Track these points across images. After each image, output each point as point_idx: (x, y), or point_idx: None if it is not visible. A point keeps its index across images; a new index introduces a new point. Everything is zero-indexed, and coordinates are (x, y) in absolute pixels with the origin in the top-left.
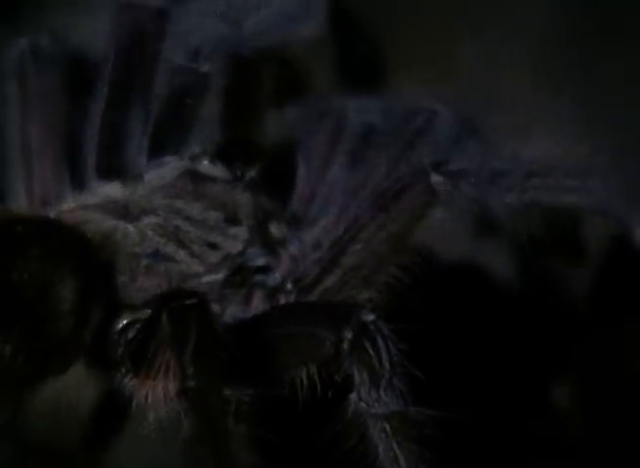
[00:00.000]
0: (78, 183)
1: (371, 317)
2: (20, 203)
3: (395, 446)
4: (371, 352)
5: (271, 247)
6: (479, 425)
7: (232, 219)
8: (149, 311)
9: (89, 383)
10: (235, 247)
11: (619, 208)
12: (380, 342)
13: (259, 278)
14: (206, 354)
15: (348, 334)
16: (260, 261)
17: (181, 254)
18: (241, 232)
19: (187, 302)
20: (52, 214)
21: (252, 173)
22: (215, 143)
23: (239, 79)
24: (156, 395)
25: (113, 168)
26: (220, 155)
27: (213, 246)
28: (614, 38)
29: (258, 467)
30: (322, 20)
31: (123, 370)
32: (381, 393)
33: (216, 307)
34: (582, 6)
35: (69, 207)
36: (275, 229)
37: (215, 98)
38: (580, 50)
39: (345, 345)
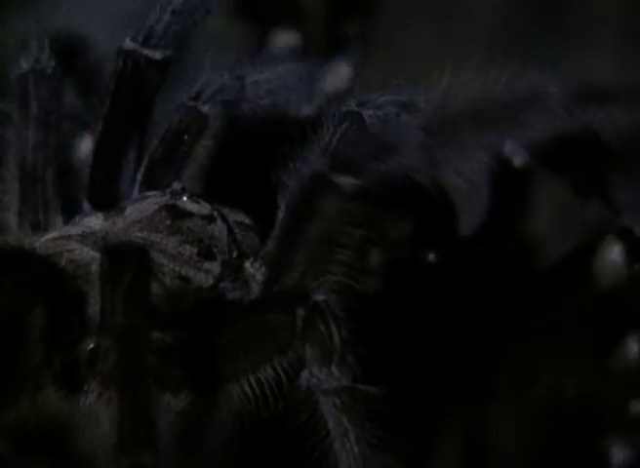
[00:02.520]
0: (70, 212)
1: (321, 297)
2: (13, 227)
3: (345, 420)
4: (322, 329)
5: (244, 281)
6: (422, 402)
7: (206, 254)
8: None
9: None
10: (207, 281)
11: None
12: (331, 320)
13: None
14: (137, 297)
15: (301, 312)
16: (231, 295)
17: (154, 287)
18: (214, 267)
19: (128, 251)
20: (37, 242)
21: (229, 210)
22: (201, 181)
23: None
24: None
25: (105, 200)
26: (205, 194)
27: (184, 279)
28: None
29: None
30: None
31: (85, 387)
32: (333, 368)
33: None
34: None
35: (53, 236)
36: (250, 265)
37: (210, 140)
38: None
39: (299, 322)
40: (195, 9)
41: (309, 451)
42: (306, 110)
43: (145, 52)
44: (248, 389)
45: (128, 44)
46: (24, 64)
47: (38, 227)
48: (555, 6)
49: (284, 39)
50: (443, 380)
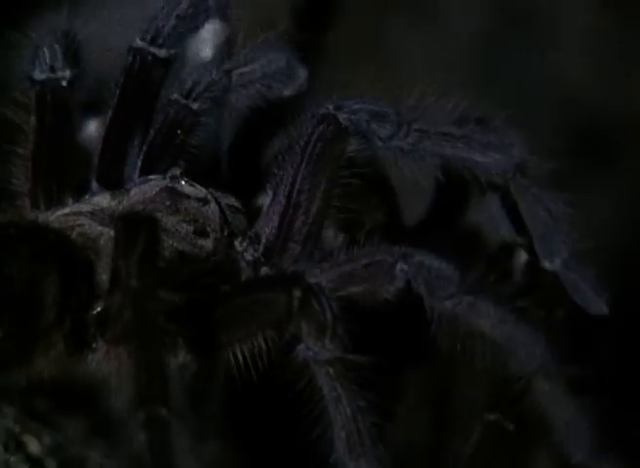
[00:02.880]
0: (80, 192)
1: (314, 279)
2: (25, 205)
3: (338, 386)
4: (316, 307)
5: (234, 258)
6: (407, 369)
7: (200, 232)
8: None
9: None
10: (200, 255)
11: None
12: (324, 299)
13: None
14: (149, 261)
15: (297, 294)
16: (223, 269)
17: None
18: (207, 244)
19: (140, 219)
20: (50, 217)
21: (222, 194)
22: (196, 168)
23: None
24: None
25: (112, 181)
26: (198, 179)
27: (181, 253)
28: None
29: None
30: (302, 85)
31: (93, 345)
32: (326, 341)
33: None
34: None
35: (65, 212)
36: (239, 244)
37: (202, 132)
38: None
39: (295, 302)
40: (197, 14)
41: (307, 413)
42: (287, 92)
43: (152, 49)
44: (241, 358)
45: (137, 42)
46: (39, 69)
47: (51, 204)
48: (528, 6)
49: None
50: (410, 353)
